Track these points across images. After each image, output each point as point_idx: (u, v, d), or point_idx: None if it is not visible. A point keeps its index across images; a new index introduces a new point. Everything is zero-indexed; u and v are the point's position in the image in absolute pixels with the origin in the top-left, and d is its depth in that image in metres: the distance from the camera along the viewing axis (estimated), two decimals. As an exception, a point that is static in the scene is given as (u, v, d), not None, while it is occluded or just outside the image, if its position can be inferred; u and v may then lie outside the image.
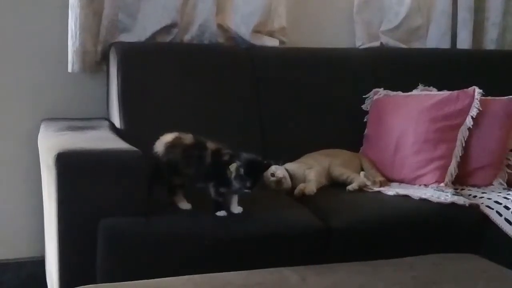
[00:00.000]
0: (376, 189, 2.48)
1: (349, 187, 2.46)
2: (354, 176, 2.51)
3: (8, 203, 2.74)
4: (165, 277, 1.70)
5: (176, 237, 2.01)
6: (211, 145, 2.10)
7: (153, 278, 1.69)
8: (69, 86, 2.77)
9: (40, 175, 2.45)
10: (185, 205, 2.13)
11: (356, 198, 2.41)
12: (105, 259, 1.96)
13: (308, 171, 2.48)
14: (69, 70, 2.69)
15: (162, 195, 2.14)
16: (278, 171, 2.42)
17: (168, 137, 2.12)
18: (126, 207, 2.01)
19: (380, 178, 2.57)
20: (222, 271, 1.75)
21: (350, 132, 2.80)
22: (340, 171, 2.54)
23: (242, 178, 2.03)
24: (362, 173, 2.53)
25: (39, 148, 2.45)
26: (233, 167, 2.04)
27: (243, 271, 1.75)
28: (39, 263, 2.62)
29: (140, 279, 1.68)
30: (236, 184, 2.04)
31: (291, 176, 2.46)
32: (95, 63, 2.73)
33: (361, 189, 2.47)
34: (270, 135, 2.71)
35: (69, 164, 1.97)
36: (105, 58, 2.71)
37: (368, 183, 2.49)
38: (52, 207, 2.03)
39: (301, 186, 2.42)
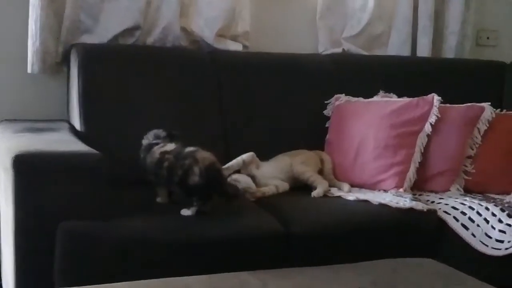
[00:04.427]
0: (336, 194, 2.50)
1: (314, 194, 2.48)
2: (315, 179, 2.53)
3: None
4: (124, 281, 1.68)
5: (135, 241, 1.99)
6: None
7: (112, 282, 1.67)
8: (28, 87, 2.73)
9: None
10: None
11: (317, 203, 2.43)
12: (63, 263, 1.93)
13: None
14: (29, 70, 2.65)
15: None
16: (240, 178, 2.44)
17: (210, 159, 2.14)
18: (85, 210, 1.98)
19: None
20: (181, 276, 1.74)
21: (311, 137, 2.81)
22: (302, 169, 2.56)
23: None
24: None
25: (-4, 150, 2.40)
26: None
27: (202, 276, 1.75)
28: (-5, 267, 2.57)
29: (99, 283, 1.66)
30: None
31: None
32: (56, 64, 2.70)
33: (324, 194, 2.49)
34: (232, 139, 2.71)
35: (27, 166, 1.93)
36: (65, 59, 2.68)
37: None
38: (9, 210, 1.99)
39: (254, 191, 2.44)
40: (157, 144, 2.23)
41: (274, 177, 2.54)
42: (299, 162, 2.59)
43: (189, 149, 2.15)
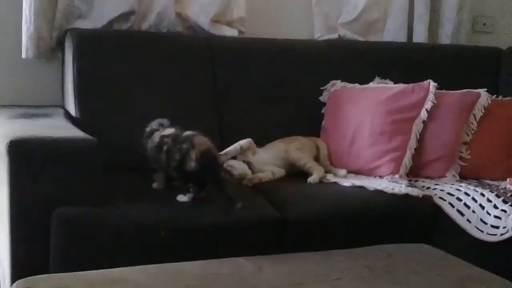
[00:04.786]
0: (332, 180, 2.50)
1: (310, 180, 2.48)
2: (311, 165, 2.53)
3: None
4: (119, 267, 1.68)
5: (130, 227, 1.99)
6: None
7: (107, 268, 1.67)
8: (23, 73, 2.72)
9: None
10: None
11: (312, 189, 2.43)
12: (58, 248, 1.93)
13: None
14: (23, 56, 2.64)
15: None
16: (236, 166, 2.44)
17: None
18: (80, 196, 1.98)
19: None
20: (177, 261, 1.74)
21: (307, 123, 2.81)
22: (298, 155, 2.56)
23: None
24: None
25: (-9, 136, 2.39)
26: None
27: (198, 261, 1.75)
28: (-10, 253, 2.57)
29: (94, 269, 1.66)
30: None
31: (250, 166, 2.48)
32: (50, 50, 2.68)
33: (320, 180, 2.49)
34: (227, 124, 2.71)
35: (22, 152, 1.93)
36: (60, 44, 2.66)
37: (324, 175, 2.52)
38: (4, 196, 1.99)
39: (249, 177, 2.43)
40: (158, 130, 2.21)
41: (270, 164, 2.54)
42: (295, 149, 2.59)
43: (188, 133, 2.14)
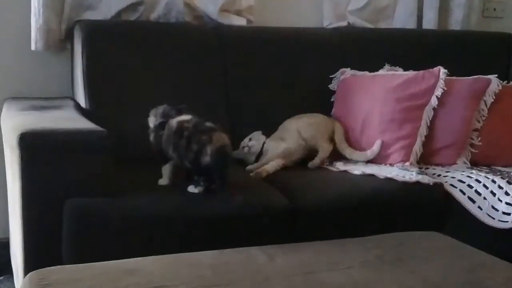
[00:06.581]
0: (342, 168, 2.50)
1: (310, 165, 2.48)
2: (321, 144, 2.54)
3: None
4: (131, 257, 1.69)
5: (142, 218, 2.00)
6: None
7: (120, 259, 1.68)
8: (32, 65, 2.72)
9: (3, 155, 2.41)
10: None
11: (323, 178, 2.43)
12: (70, 240, 1.94)
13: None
14: (33, 48, 2.65)
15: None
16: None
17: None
18: (92, 187, 1.98)
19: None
20: (189, 251, 1.75)
21: (317, 112, 2.80)
22: (310, 133, 2.56)
23: None
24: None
25: (2, 128, 2.40)
26: None
27: (210, 251, 1.76)
28: (3, 245, 2.59)
29: (106, 260, 1.67)
30: None
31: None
32: (59, 41, 2.69)
33: (322, 164, 2.50)
34: (236, 114, 2.71)
35: (33, 144, 1.93)
36: (69, 36, 2.67)
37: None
38: (16, 188, 2.00)
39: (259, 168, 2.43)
40: (167, 120, 2.16)
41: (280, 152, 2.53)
42: (307, 124, 2.59)
43: (209, 124, 2.10)
